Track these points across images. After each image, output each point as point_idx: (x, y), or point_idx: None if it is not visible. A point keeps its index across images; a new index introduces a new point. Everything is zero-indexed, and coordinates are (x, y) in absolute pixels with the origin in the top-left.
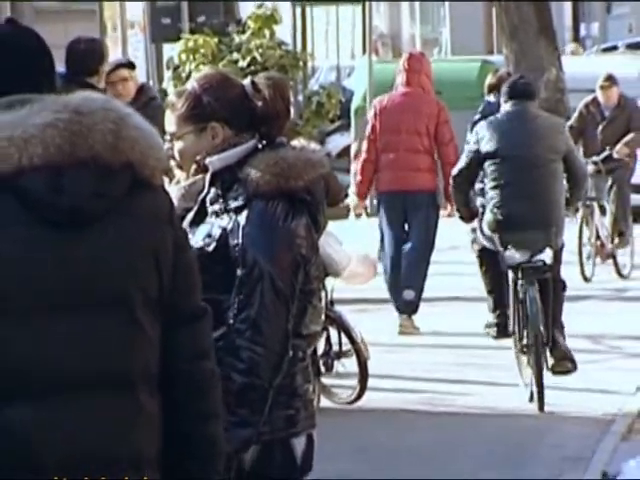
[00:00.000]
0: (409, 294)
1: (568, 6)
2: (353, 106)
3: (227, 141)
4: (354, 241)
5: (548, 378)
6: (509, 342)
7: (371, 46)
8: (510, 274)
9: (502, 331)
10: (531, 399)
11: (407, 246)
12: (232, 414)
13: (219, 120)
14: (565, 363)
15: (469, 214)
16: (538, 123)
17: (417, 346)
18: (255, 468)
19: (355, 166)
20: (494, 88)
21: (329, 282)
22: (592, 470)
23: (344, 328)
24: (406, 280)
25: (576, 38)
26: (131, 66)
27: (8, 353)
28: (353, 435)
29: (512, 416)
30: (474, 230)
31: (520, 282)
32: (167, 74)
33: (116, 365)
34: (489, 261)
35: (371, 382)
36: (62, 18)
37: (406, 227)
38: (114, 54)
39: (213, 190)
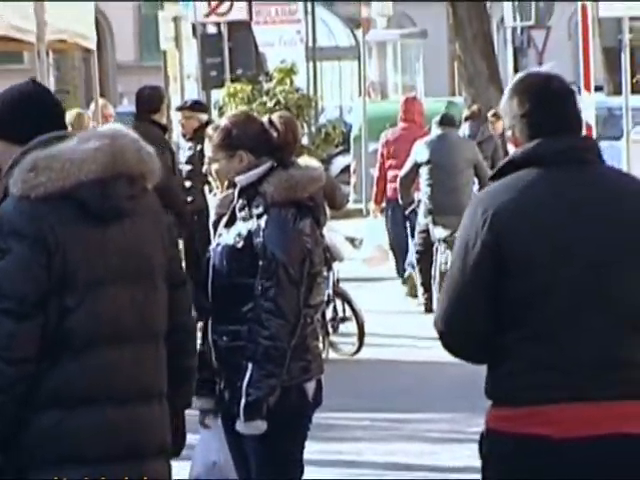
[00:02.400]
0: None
1: (510, 60)
2: (352, 135)
3: (250, 164)
4: (372, 235)
5: None
6: None
7: (365, 90)
8: (437, 245)
9: (429, 309)
10: None
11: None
12: (261, 368)
13: (244, 148)
14: None
15: (409, 202)
16: (457, 143)
17: (401, 313)
18: (276, 407)
19: (354, 179)
20: (468, 119)
21: (335, 266)
22: None
23: (346, 300)
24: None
25: None
26: (193, 107)
27: (85, 316)
28: (353, 378)
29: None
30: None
31: (442, 251)
32: (214, 113)
33: (156, 322)
34: (424, 263)
35: (367, 340)
36: (136, 72)
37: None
38: (174, 98)
39: (240, 201)
